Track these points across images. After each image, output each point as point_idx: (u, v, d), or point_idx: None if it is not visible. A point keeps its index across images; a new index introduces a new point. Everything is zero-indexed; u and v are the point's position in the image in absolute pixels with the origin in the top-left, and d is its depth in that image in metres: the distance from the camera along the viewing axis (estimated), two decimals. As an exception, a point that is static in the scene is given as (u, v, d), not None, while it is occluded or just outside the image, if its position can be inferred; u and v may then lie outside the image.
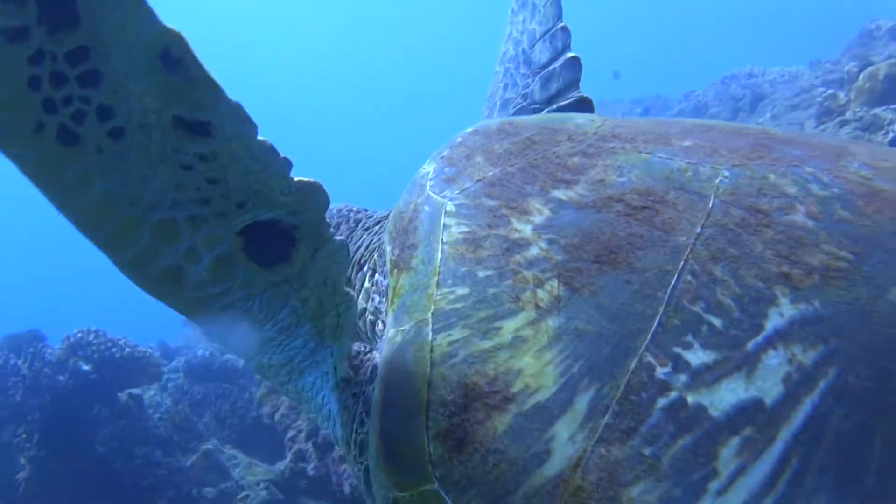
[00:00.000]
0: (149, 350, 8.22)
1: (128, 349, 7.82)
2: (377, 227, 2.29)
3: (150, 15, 1.21)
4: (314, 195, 1.52)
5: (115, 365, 7.69)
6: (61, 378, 7.39)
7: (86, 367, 7.51)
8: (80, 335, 7.74)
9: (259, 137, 1.40)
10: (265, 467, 7.47)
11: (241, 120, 1.36)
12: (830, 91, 9.41)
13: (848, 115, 8.05)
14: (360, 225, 2.41)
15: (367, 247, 2.24)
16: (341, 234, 2.39)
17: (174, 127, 1.33)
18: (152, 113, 1.31)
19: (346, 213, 2.50)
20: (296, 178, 1.48)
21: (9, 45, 1.18)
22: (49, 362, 7.57)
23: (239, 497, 6.85)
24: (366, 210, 2.52)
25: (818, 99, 9.45)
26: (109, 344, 7.74)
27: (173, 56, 1.25)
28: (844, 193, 1.46)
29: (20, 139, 1.26)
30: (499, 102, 3.23)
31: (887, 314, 1.28)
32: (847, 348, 1.27)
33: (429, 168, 1.88)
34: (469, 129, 1.99)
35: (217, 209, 1.46)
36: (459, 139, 1.95)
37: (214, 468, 7.30)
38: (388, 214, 1.99)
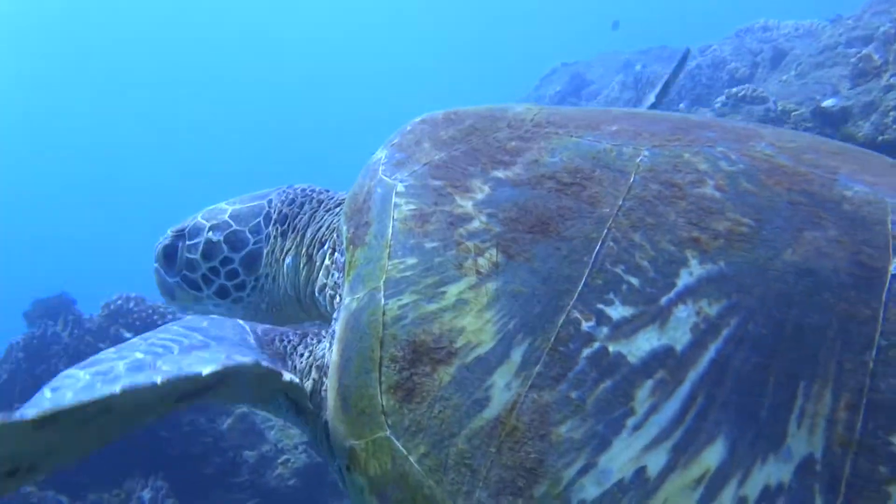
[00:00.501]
0: (188, 316, 7.97)
1: (169, 315, 7.54)
2: (337, 209, 2.45)
3: None
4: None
5: (157, 332, 7.52)
6: (102, 346, 7.00)
7: (128, 335, 7.25)
8: (119, 302, 7.53)
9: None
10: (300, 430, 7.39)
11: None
12: (864, 51, 8.81)
13: (891, 79, 7.60)
14: (322, 206, 2.58)
15: (328, 226, 2.40)
16: (305, 214, 2.56)
17: None
18: None
19: (310, 193, 2.66)
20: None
21: None
22: (89, 330, 7.37)
23: (280, 461, 6.79)
24: (328, 191, 2.69)
25: (852, 60, 8.87)
26: (150, 311, 7.55)
27: None
28: (749, 169, 1.65)
29: None
30: None
31: (782, 272, 1.46)
32: (747, 301, 1.45)
33: (381, 154, 2.05)
34: (418, 119, 2.16)
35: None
36: (409, 128, 2.12)
37: (251, 431, 7.16)
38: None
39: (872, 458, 1.31)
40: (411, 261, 1.71)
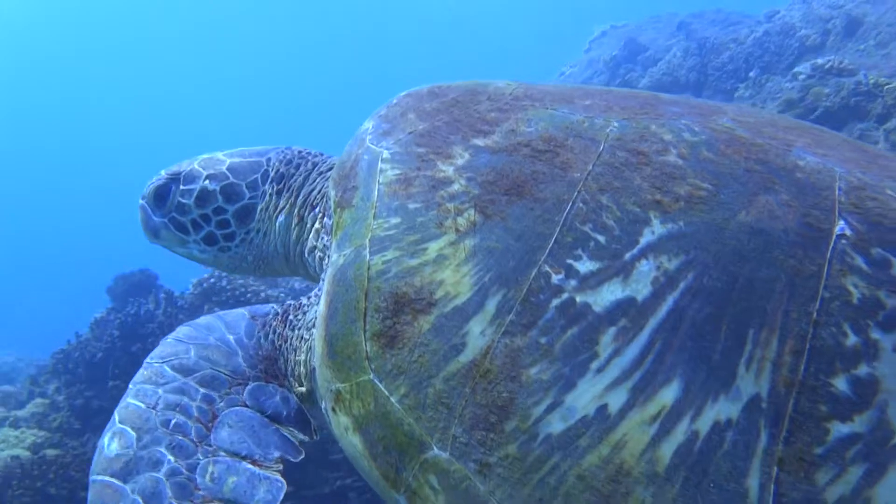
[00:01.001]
0: (281, 293, 7.82)
1: (263, 293, 7.56)
2: (329, 172, 2.54)
3: None
4: None
5: (251, 309, 7.32)
6: (197, 325, 7.19)
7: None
8: (212, 280, 7.51)
9: None
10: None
11: None
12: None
13: None
14: (316, 168, 2.66)
15: (320, 190, 2.50)
16: (300, 175, 2.65)
17: None
18: None
19: (306, 155, 2.73)
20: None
21: None
22: (182, 307, 7.37)
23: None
24: (322, 154, 2.77)
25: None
26: (242, 289, 7.49)
27: None
28: (710, 140, 1.78)
29: None
30: None
31: (736, 231, 1.59)
32: (703, 257, 1.57)
33: (368, 124, 2.16)
34: (403, 93, 2.28)
35: None
36: (395, 101, 2.24)
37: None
38: None
39: (814, 397, 1.44)
40: (395, 220, 1.83)
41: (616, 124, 1.86)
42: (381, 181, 1.92)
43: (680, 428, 1.47)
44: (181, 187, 2.64)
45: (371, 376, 1.71)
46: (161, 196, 2.68)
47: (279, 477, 1.94)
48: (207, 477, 1.89)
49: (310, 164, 2.69)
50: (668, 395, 1.49)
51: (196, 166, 2.67)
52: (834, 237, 1.56)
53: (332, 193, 2.07)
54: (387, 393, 1.68)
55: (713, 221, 1.62)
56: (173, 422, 1.97)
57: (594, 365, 1.54)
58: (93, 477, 1.88)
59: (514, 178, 1.79)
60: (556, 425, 1.53)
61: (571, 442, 1.51)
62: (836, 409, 1.43)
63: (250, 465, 1.94)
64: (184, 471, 1.89)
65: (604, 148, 1.79)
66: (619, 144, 1.79)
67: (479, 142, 1.92)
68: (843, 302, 1.49)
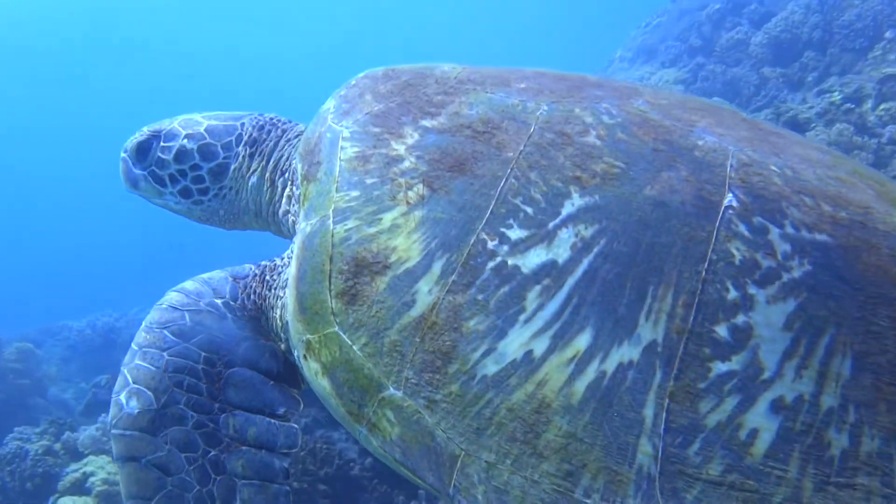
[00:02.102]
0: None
1: None
2: (296, 140, 2.80)
3: None
4: None
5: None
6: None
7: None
8: None
9: None
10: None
11: None
12: None
13: None
14: (285, 135, 2.90)
15: (288, 157, 2.77)
16: (271, 141, 2.88)
17: None
18: None
19: (276, 122, 2.96)
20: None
21: None
22: None
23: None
24: (290, 122, 3.00)
25: None
26: None
27: None
28: (624, 122, 2.07)
29: None
30: None
31: (642, 203, 1.89)
32: (614, 226, 1.87)
33: (330, 104, 2.42)
34: (361, 74, 2.53)
35: None
36: (353, 82, 2.49)
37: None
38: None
39: (700, 342, 1.75)
40: (355, 193, 2.11)
41: (545, 108, 2.14)
42: (342, 158, 2.19)
43: (591, 368, 1.78)
44: (161, 144, 2.87)
45: (336, 329, 2.01)
46: (143, 150, 2.90)
47: (292, 424, 2.26)
48: (231, 429, 2.21)
49: (279, 130, 2.92)
50: (582, 341, 1.80)
51: (176, 125, 2.90)
52: (723, 208, 1.86)
53: (299, 167, 2.33)
54: (350, 342, 1.98)
55: (623, 195, 1.91)
56: (186, 382, 2.24)
57: (522, 317, 1.85)
58: (117, 431, 2.14)
59: (457, 157, 2.07)
60: (490, 368, 1.84)
61: (503, 381, 1.83)
62: (717, 352, 1.74)
63: (265, 417, 2.25)
64: (209, 424, 2.19)
65: (534, 129, 2.08)
66: (547, 126, 2.08)
67: (427, 123, 2.19)
68: (727, 263, 1.80)
